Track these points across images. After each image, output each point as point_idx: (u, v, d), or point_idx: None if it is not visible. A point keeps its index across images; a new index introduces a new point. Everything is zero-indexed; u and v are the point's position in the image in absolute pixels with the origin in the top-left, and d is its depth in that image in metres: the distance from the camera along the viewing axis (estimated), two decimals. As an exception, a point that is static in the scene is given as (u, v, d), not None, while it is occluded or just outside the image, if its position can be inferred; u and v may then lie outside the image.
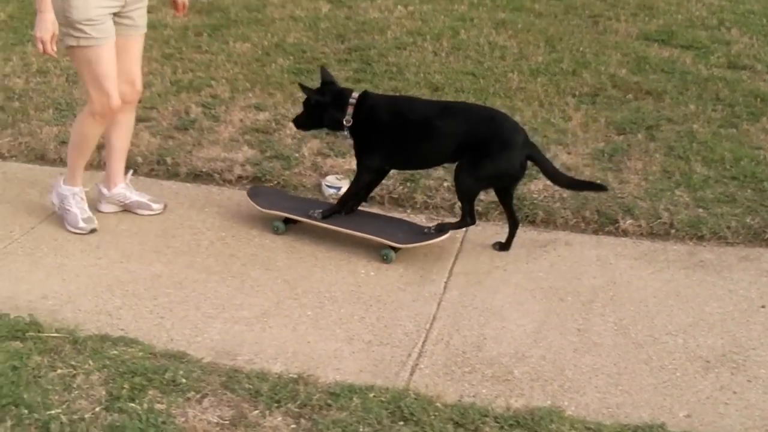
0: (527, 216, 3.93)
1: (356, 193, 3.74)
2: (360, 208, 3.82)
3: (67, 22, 3.38)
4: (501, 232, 3.78)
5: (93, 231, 3.76)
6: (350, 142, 3.69)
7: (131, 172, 4.08)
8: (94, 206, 3.97)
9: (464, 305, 3.26)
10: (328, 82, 3.69)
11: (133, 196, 3.96)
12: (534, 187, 4.10)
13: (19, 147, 4.63)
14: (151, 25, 6.26)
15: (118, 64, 3.66)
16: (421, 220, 3.91)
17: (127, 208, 3.96)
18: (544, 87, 5.19)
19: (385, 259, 3.55)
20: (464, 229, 3.76)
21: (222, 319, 3.10)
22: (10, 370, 2.65)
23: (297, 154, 4.36)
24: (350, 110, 3.55)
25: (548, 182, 4.13)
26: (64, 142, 4.59)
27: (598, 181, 3.95)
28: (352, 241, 3.65)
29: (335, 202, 3.84)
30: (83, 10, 3.37)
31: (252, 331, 3.03)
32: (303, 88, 3.67)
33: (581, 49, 5.82)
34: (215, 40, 6.02)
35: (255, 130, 4.64)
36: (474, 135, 3.47)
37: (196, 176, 4.27)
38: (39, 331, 2.90)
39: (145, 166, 4.36)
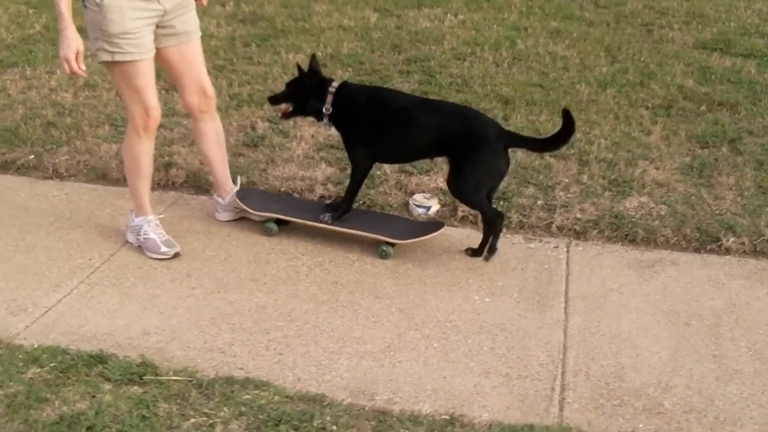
0: (627, 235, 3.78)
1: (358, 186, 3.69)
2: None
3: (102, 35, 3.20)
4: (603, 252, 3.64)
5: (177, 255, 3.59)
6: (335, 132, 3.69)
7: (240, 179, 3.93)
8: (212, 216, 3.89)
9: (591, 332, 3.11)
10: (314, 70, 3.66)
11: None
12: (629, 204, 3.95)
13: (78, 166, 4.45)
14: (196, 36, 6.18)
15: (182, 75, 3.52)
16: (518, 240, 3.76)
17: (241, 215, 3.86)
18: (615, 99, 5.06)
19: (384, 256, 3.55)
20: (562, 248, 3.62)
21: (346, 355, 2.92)
22: (140, 420, 2.47)
23: (379, 171, 4.19)
24: (329, 99, 3.55)
25: (642, 198, 4.01)
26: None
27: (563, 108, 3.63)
28: (458, 264, 3.50)
29: (421, 220, 3.75)
30: (119, 23, 3.17)
31: (382, 367, 2.85)
32: (299, 69, 3.63)
33: (642, 59, 5.70)
34: (266, 51, 5.84)
35: (329, 147, 4.48)
36: (449, 130, 3.43)
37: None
38: (156, 374, 2.73)
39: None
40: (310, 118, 3.84)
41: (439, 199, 3.99)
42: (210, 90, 3.63)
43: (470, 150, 3.40)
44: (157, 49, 3.37)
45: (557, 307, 3.27)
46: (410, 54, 5.72)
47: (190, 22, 3.46)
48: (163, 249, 3.59)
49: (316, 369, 2.84)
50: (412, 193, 4.05)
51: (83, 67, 3.18)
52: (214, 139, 3.76)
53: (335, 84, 3.59)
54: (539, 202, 3.95)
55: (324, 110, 3.56)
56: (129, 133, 3.51)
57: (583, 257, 3.65)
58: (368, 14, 6.56)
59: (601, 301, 3.32)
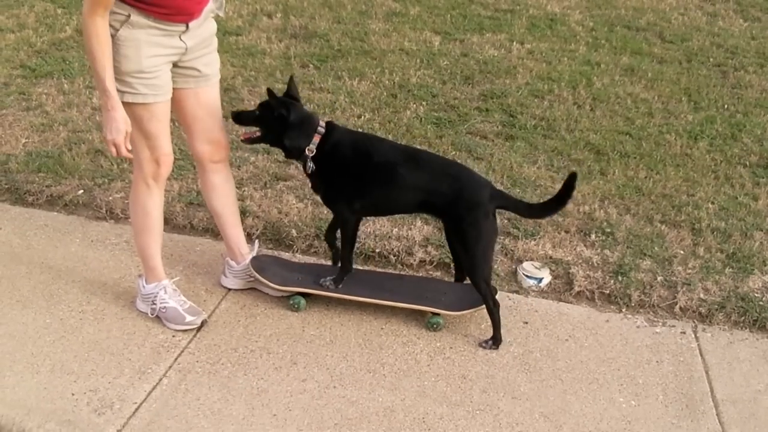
0: (755, 321, 3.48)
1: (353, 242, 3.32)
2: (358, 267, 3.51)
3: (114, 71, 2.75)
4: (733, 340, 3.35)
5: (204, 323, 3.20)
6: (307, 173, 3.20)
7: (257, 243, 3.56)
8: (218, 282, 3.47)
9: (755, 449, 2.81)
10: (293, 97, 3.19)
11: None
12: (753, 284, 3.65)
13: (136, 207, 4.00)
14: (248, 52, 5.77)
15: (196, 122, 3.09)
16: (641, 323, 3.43)
17: (254, 285, 3.44)
18: (710, 154, 4.75)
19: (435, 328, 3.27)
20: (689, 333, 3.31)
21: (500, 474, 2.58)
22: None
23: (481, 233, 3.84)
24: (316, 139, 3.11)
25: (766, 278, 3.73)
26: (191, 203, 4.00)
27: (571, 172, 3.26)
28: (589, 354, 3.17)
29: (535, 292, 3.43)
30: (135, 61, 2.75)
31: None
32: (271, 96, 3.10)
33: (725, 106, 5.40)
34: (326, 75, 5.44)
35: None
36: (437, 193, 3.08)
37: (368, 257, 3.71)
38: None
39: (301, 241, 3.79)
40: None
41: (551, 270, 3.65)
42: (225, 139, 3.21)
43: (465, 219, 3.06)
44: (174, 90, 2.96)
45: (709, 414, 2.95)
46: (484, 87, 5.36)
47: (212, 65, 3.06)
48: (189, 318, 3.18)
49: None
50: (520, 261, 3.71)
51: (130, 148, 2.81)
52: (226, 194, 3.33)
53: (323, 123, 3.16)
54: (659, 278, 3.63)
55: (306, 151, 3.12)
56: (136, 183, 3.07)
57: (715, 347, 3.34)
58: (429, 37, 6.17)
59: (753, 406, 3.02)
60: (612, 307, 3.54)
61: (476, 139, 4.71)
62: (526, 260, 3.71)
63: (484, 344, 3.20)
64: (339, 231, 3.33)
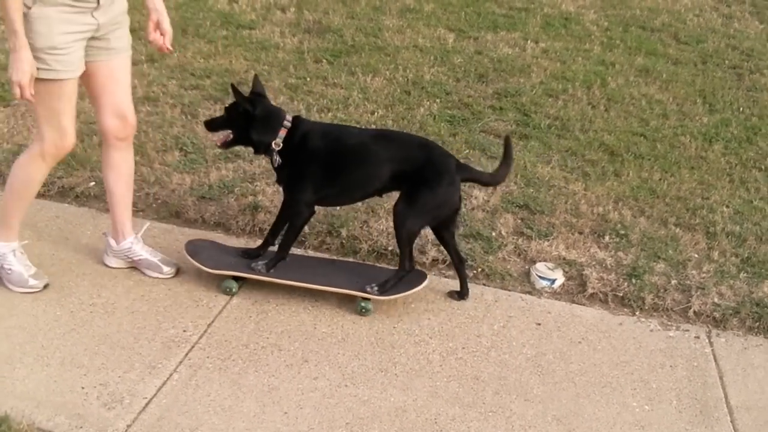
0: (770, 326, 3.45)
1: (299, 232, 3.41)
2: (298, 253, 3.59)
3: None
4: (748, 345, 3.31)
5: (46, 286, 3.28)
6: (274, 166, 3.29)
7: (146, 225, 3.58)
8: (100, 259, 3.47)
9: (769, 458, 2.78)
10: (259, 94, 3.30)
11: (143, 254, 3.45)
12: (768, 289, 3.62)
13: (147, 199, 4.01)
14: (261, 46, 5.75)
15: (104, 94, 3.14)
16: (655, 326, 3.40)
17: (134, 266, 3.48)
18: (725, 157, 4.72)
19: (364, 312, 3.29)
20: (703, 338, 3.27)
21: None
22: None
23: (494, 233, 3.81)
24: (282, 133, 3.21)
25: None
26: (203, 197, 3.98)
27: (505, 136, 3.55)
28: (603, 357, 3.14)
29: (547, 293, 3.43)
30: (46, 37, 2.81)
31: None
32: (235, 92, 3.22)
33: (741, 108, 5.36)
34: (340, 71, 5.40)
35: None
36: (408, 161, 3.20)
37: (380, 255, 3.68)
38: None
39: (313, 236, 3.76)
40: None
41: (564, 271, 3.62)
42: (132, 116, 3.25)
43: (430, 180, 3.18)
44: (85, 63, 3.01)
45: (723, 421, 2.92)
46: (498, 86, 5.32)
47: (123, 38, 3.13)
48: (32, 282, 3.27)
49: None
50: (533, 261, 3.69)
51: (33, 92, 2.82)
52: (124, 174, 3.36)
53: (289, 117, 3.26)
54: (672, 282, 3.60)
55: (273, 145, 3.21)
56: (32, 155, 3.10)
57: (729, 352, 3.31)
58: (443, 34, 6.14)
59: (767, 413, 2.99)
60: (625, 309, 3.51)
61: (490, 137, 4.68)
62: (540, 261, 3.68)
63: (369, 288, 3.26)
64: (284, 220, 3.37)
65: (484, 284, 3.56)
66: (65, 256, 3.55)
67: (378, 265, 3.61)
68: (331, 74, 5.35)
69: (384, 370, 3.00)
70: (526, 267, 3.66)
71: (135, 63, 5.36)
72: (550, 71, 5.60)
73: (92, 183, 4.07)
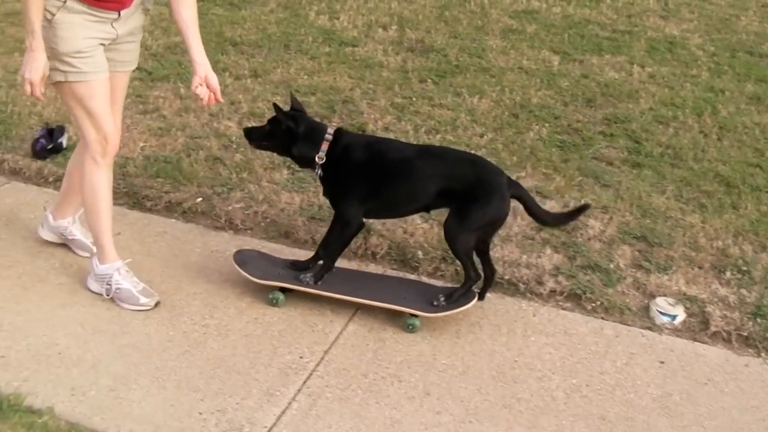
0: None
1: (347, 245, 3.46)
2: (345, 267, 3.61)
3: (52, 54, 2.96)
4: None
5: (157, 304, 3.31)
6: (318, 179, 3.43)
7: (77, 216, 3.62)
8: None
9: None
10: (299, 110, 3.44)
11: (77, 235, 3.60)
12: None
13: (256, 218, 4.05)
14: (365, 64, 5.80)
15: None
16: None
17: (66, 244, 3.64)
18: None
19: (411, 330, 3.31)
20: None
21: None
22: None
23: (612, 265, 3.76)
24: (324, 146, 3.30)
25: None
26: (313, 218, 4.01)
27: (582, 202, 3.57)
28: (732, 401, 3.06)
29: (668, 330, 3.39)
30: (72, 42, 2.96)
31: None
32: (277, 109, 3.35)
33: None
34: (445, 91, 5.42)
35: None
36: (457, 178, 3.28)
37: (496, 284, 3.65)
38: None
39: (426, 263, 3.75)
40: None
41: (685, 307, 3.55)
42: (117, 129, 3.28)
43: (481, 196, 3.24)
44: None
45: None
46: (607, 111, 5.26)
47: (132, 52, 3.27)
48: (143, 300, 3.32)
49: None
50: (652, 296, 3.62)
51: (43, 91, 2.96)
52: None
53: (330, 131, 3.35)
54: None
55: (317, 158, 3.29)
56: (86, 161, 3.21)
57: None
58: (548, 56, 6.10)
59: None
60: (750, 350, 3.41)
61: (602, 165, 4.62)
62: (659, 296, 3.62)
63: (436, 301, 3.31)
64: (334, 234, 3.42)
65: (602, 318, 3.51)
66: (175, 273, 3.59)
67: (424, 280, 3.64)
68: (436, 95, 5.37)
69: (508, 407, 2.97)
70: (645, 301, 3.60)
71: (238, 78, 5.57)
72: (658, 97, 5.50)
73: (199, 199, 4.14)
